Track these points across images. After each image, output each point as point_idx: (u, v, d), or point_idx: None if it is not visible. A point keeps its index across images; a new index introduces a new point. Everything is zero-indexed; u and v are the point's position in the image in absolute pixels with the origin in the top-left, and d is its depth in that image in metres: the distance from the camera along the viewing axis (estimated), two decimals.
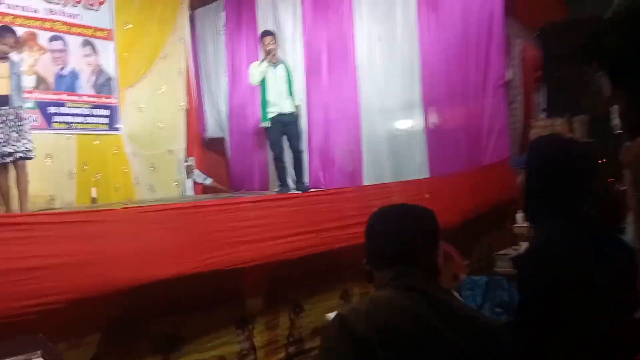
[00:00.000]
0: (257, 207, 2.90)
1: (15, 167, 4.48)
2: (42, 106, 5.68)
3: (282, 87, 5.35)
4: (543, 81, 4.37)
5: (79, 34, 6.11)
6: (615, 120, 2.58)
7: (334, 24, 6.13)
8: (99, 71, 6.29)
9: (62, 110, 5.85)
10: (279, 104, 5.34)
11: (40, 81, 5.71)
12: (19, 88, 4.51)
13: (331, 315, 1.45)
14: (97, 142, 6.14)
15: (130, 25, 6.53)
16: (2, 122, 4.32)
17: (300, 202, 3.19)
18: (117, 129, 6.34)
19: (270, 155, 6.05)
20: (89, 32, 6.20)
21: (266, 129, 5.49)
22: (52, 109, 5.73)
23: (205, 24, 7.68)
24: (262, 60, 5.38)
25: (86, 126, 6.06)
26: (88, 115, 6.10)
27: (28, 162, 4.53)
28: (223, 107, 7.42)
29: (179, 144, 6.83)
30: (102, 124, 6.22)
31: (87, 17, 6.17)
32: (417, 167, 5.42)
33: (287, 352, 3.01)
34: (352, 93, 5.95)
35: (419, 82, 5.46)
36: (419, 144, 5.47)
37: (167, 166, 6.70)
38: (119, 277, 2.33)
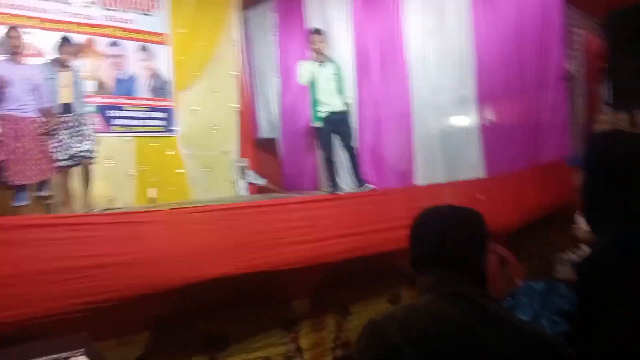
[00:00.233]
0: (302, 208, 2.88)
1: (82, 169, 4.70)
2: (102, 110, 5.90)
3: (331, 86, 5.29)
4: (607, 73, 4.09)
5: (135, 39, 6.31)
6: None
7: (384, 19, 6.03)
8: (155, 75, 6.47)
9: (121, 113, 6.06)
10: (329, 102, 5.27)
11: (100, 86, 5.94)
12: (80, 95, 4.72)
13: None
14: (154, 144, 6.32)
15: (184, 30, 6.68)
16: (64, 129, 4.54)
17: (346, 203, 3.14)
18: (173, 131, 6.51)
19: (320, 154, 6.02)
20: (145, 37, 6.39)
21: (316, 128, 5.46)
22: (111, 113, 5.95)
23: (256, 25, 7.76)
24: (310, 60, 5.35)
25: (144, 129, 6.26)
26: (145, 118, 6.29)
27: (90, 166, 4.74)
28: (275, 108, 7.47)
29: (233, 145, 6.93)
30: (159, 126, 6.40)
31: (143, 23, 6.36)
32: (471, 166, 5.23)
33: (333, 355, 2.97)
34: (403, 89, 5.82)
35: (473, 77, 5.27)
36: (474, 142, 5.27)
37: (221, 167, 6.81)
38: (166, 276, 2.37)
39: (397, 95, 5.87)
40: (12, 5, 5.31)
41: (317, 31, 5.44)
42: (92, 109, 5.17)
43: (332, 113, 5.26)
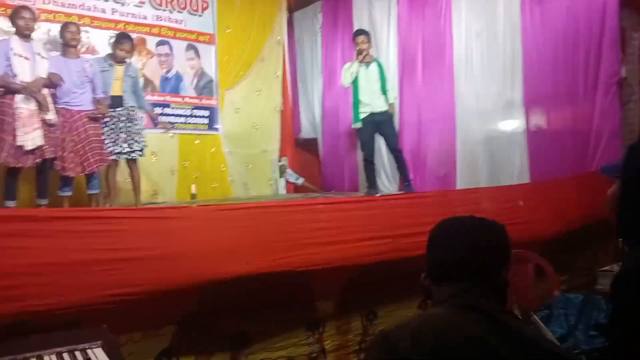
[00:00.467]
0: (331, 209, 2.85)
1: (128, 164, 4.85)
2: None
3: (374, 86, 5.23)
4: None
5: (183, 39, 6.46)
6: None
7: (430, 20, 5.93)
8: (201, 74, 6.61)
9: (167, 111, 6.21)
10: (371, 103, 5.22)
11: (148, 83, 6.10)
12: (133, 91, 4.87)
13: None
14: (197, 141, 6.44)
15: (231, 30, 6.79)
16: (113, 123, 4.69)
17: (377, 205, 3.09)
18: (216, 129, 6.62)
19: (360, 156, 5.98)
20: (193, 36, 6.53)
21: (358, 129, 5.42)
22: (157, 110, 6.11)
23: (303, 26, 7.81)
24: (354, 61, 5.32)
25: (188, 126, 6.39)
26: (189, 115, 6.43)
27: (138, 159, 4.87)
28: (317, 109, 7.49)
29: (273, 144, 6.99)
30: (202, 124, 6.52)
31: (191, 23, 6.50)
32: (516, 172, 5.07)
33: (358, 358, 2.93)
34: (448, 92, 5.71)
35: (521, 81, 5.11)
36: (519, 148, 5.11)
37: (261, 165, 6.88)
38: (191, 272, 2.40)
39: (441, 98, 5.76)
40: (64, 4, 5.52)
41: (362, 32, 5.41)
42: (149, 106, 5.31)
43: (374, 114, 5.21)
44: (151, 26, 6.18)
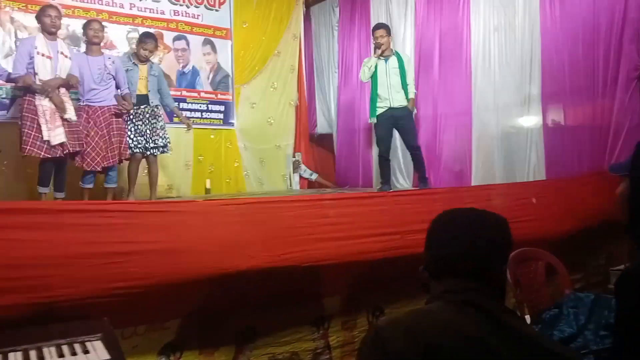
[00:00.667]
0: (338, 205, 2.83)
1: (147, 160, 4.91)
2: None
3: (393, 80, 5.15)
4: None
5: (200, 34, 6.49)
6: None
7: (448, 14, 5.84)
8: (217, 69, 6.63)
9: (183, 105, 6.24)
10: (389, 98, 5.15)
11: (164, 78, 6.15)
12: (157, 89, 4.95)
13: None
14: (212, 136, 6.48)
15: (247, 24, 6.80)
16: (138, 120, 4.77)
17: (385, 201, 3.05)
18: (231, 124, 6.65)
19: (375, 151, 5.93)
20: (209, 31, 6.56)
21: (375, 124, 5.37)
22: (183, 113, 6.14)
23: (319, 20, 7.77)
24: (373, 55, 5.26)
25: (203, 121, 6.43)
26: (205, 110, 6.46)
27: (158, 155, 4.95)
28: (332, 104, 7.46)
29: (288, 140, 6.99)
30: (217, 119, 6.55)
31: (208, 17, 6.53)
32: (532, 169, 4.99)
33: None
34: (465, 87, 5.62)
35: (539, 76, 5.00)
36: (536, 144, 5.01)
37: (275, 161, 6.89)
38: (197, 266, 2.40)
39: (458, 93, 5.68)
40: None
41: (381, 26, 5.35)
42: (174, 104, 5.39)
43: (392, 109, 5.14)
44: (168, 21, 6.22)
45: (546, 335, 2.29)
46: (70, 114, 4.27)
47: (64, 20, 5.25)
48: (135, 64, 4.87)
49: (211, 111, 6.51)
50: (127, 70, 4.79)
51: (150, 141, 4.80)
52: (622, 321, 1.37)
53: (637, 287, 1.33)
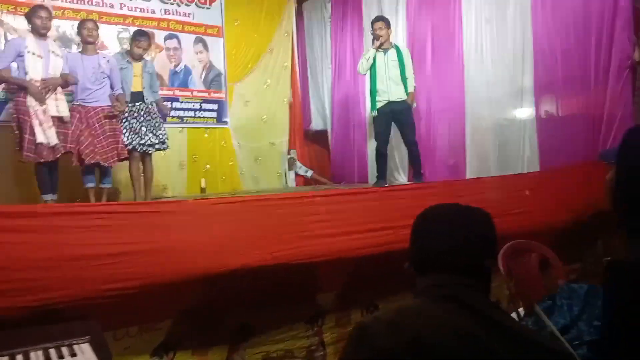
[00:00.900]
0: (329, 202, 2.82)
1: (142, 158, 4.89)
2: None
3: (392, 73, 5.09)
4: None
5: (191, 32, 6.46)
6: None
7: (439, 7, 5.81)
8: (209, 67, 6.61)
9: (176, 105, 6.24)
10: (387, 90, 5.10)
11: (157, 78, 6.12)
12: (150, 86, 4.93)
13: None
14: (206, 135, 6.46)
15: (239, 22, 6.77)
16: (133, 118, 4.74)
17: (377, 197, 3.05)
18: (225, 123, 6.63)
19: (370, 147, 5.90)
20: (201, 29, 6.53)
21: (373, 118, 5.32)
22: (166, 104, 6.13)
23: (312, 16, 7.75)
24: (372, 48, 5.22)
25: (196, 120, 6.41)
26: (198, 109, 6.44)
27: (153, 154, 4.92)
28: (327, 100, 7.44)
29: (282, 137, 6.98)
30: (211, 117, 6.53)
31: (199, 16, 6.50)
32: (526, 160, 4.96)
33: None
34: (458, 80, 5.59)
35: (531, 67, 4.96)
36: (529, 136, 4.99)
37: (270, 158, 6.88)
38: (189, 265, 2.40)
39: (451, 86, 5.65)
40: (73, 0, 5.55)
41: (380, 18, 5.31)
42: (161, 100, 5.33)
43: (391, 102, 5.10)
44: (159, 20, 6.19)
45: (536, 328, 2.28)
46: (64, 111, 4.25)
47: (54, 22, 5.25)
48: (130, 62, 4.84)
49: (204, 110, 6.49)
50: (121, 69, 4.75)
51: (146, 138, 4.77)
52: (608, 312, 1.37)
53: (622, 278, 1.33)
